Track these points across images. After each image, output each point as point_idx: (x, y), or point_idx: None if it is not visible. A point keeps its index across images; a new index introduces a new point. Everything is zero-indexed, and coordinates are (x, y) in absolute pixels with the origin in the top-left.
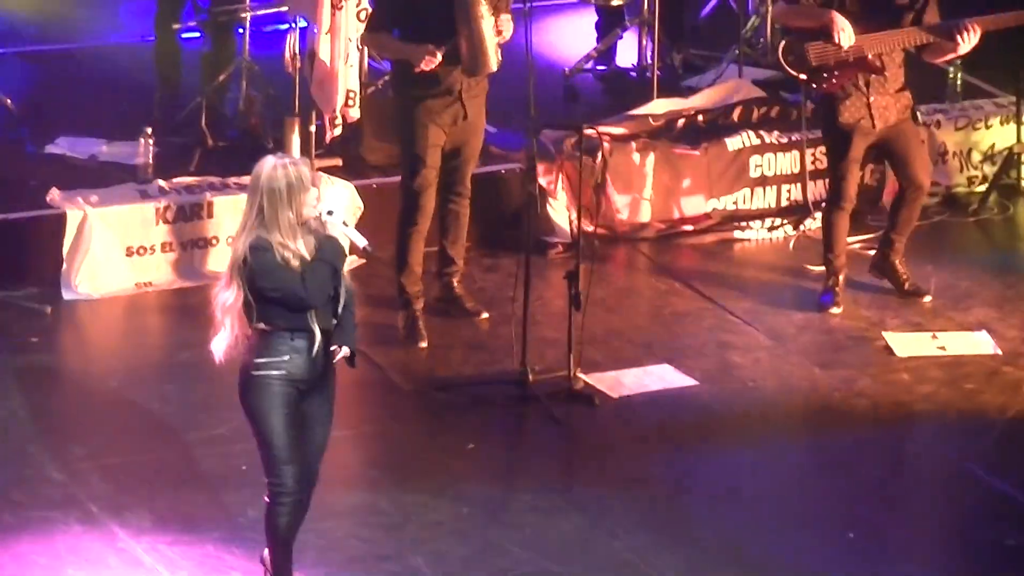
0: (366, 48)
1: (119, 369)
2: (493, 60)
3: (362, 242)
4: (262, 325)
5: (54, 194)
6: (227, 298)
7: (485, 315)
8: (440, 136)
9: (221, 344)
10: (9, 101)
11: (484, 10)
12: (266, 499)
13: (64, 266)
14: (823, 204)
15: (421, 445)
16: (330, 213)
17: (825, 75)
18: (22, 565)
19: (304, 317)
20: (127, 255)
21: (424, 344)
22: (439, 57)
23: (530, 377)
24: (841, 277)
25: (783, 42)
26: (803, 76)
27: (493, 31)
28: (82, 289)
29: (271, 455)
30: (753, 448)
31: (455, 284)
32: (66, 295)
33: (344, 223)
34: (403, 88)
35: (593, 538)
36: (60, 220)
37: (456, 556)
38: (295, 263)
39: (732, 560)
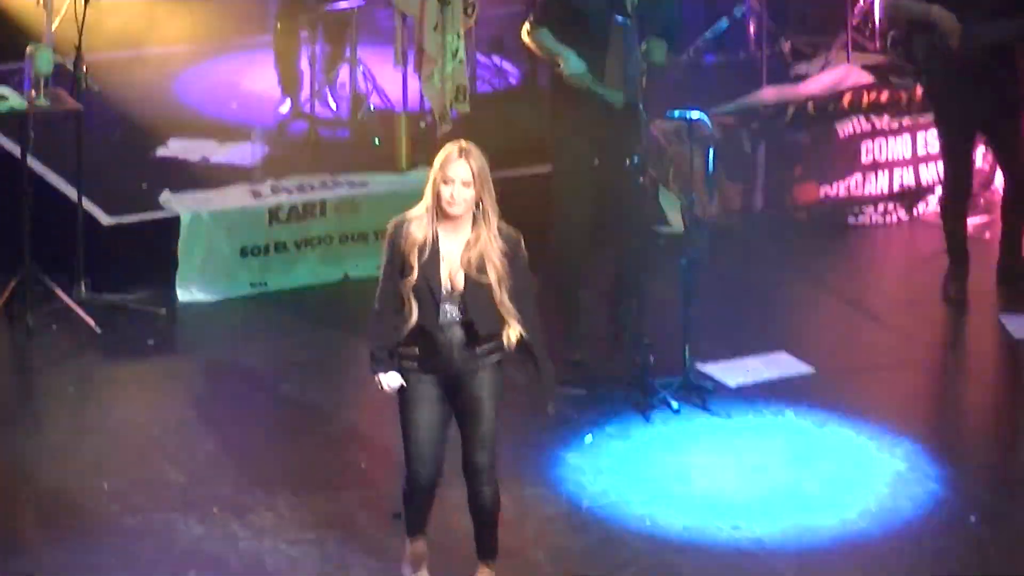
0: (472, 43)
1: (235, 371)
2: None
3: None
4: None
5: (167, 196)
6: None
7: None
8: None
9: None
10: (121, 104)
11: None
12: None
13: (178, 268)
14: (937, 189)
15: (538, 438)
16: None
17: (932, 66)
18: (144, 568)
19: None
20: (241, 256)
21: None
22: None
23: (646, 367)
24: (961, 261)
25: (891, 34)
26: (912, 65)
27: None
28: (196, 291)
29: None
30: (870, 436)
31: None
32: (181, 297)
33: None
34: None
35: (712, 529)
36: (173, 222)
37: (575, 550)
38: None
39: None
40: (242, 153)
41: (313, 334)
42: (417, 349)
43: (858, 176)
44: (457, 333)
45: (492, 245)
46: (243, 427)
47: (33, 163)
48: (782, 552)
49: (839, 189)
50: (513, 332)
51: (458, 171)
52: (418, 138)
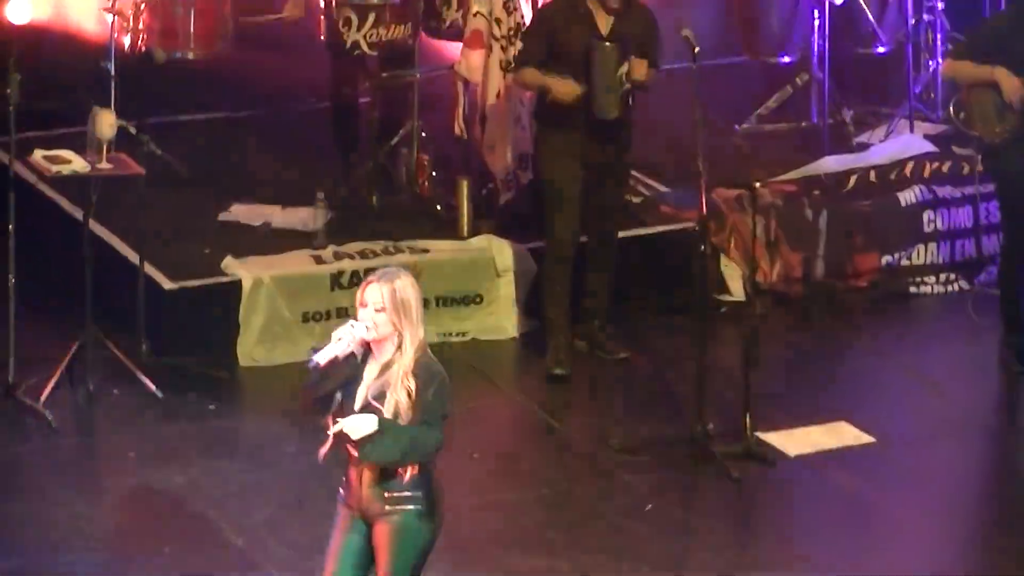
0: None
1: (296, 435)
2: (603, 106)
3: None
4: None
5: (229, 261)
6: None
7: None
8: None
9: None
10: (183, 168)
11: (604, 56)
12: None
13: (240, 333)
14: (998, 259)
15: (598, 506)
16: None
17: (996, 130)
18: None
19: None
20: (303, 321)
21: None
22: (579, 89)
23: (707, 436)
24: (1017, 329)
25: (953, 100)
26: (975, 132)
27: (613, 78)
28: (257, 356)
29: None
30: (934, 508)
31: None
32: (242, 361)
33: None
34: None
35: None
36: (235, 287)
37: None
38: None
39: None
40: (304, 218)
41: None
42: (344, 477)
43: (919, 245)
44: (367, 471)
45: (399, 379)
46: (302, 492)
47: (95, 227)
48: None
49: (900, 258)
50: (412, 468)
51: (371, 295)
52: (480, 204)
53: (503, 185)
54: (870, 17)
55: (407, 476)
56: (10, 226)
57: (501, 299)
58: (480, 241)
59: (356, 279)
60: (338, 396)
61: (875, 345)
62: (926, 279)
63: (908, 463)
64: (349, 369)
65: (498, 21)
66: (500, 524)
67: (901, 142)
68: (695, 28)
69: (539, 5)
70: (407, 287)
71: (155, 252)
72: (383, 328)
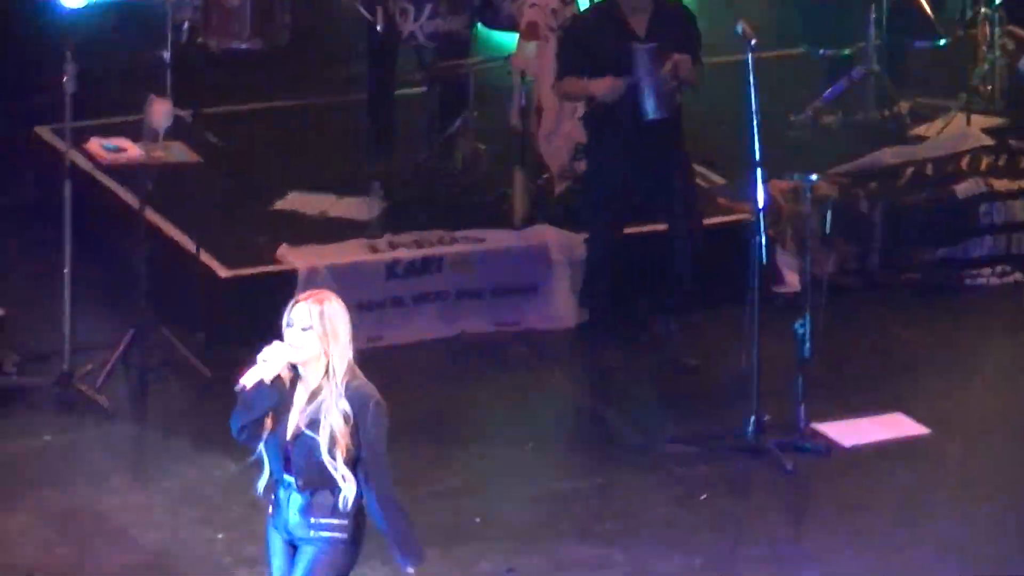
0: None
1: None
2: (651, 108)
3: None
4: None
5: (284, 249)
6: None
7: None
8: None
9: None
10: (239, 156)
11: (645, 58)
12: None
13: None
14: None
15: (651, 497)
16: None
17: None
18: None
19: None
20: (357, 310)
21: None
22: (620, 81)
23: (761, 427)
24: None
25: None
26: None
27: (658, 79)
28: None
29: None
30: (989, 501)
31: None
32: None
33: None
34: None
35: None
36: (291, 276)
37: None
38: None
39: None
40: (360, 207)
41: (427, 389)
42: (273, 497)
43: (975, 238)
44: (295, 494)
45: (332, 403)
46: None
47: (151, 215)
48: None
49: (956, 250)
50: (348, 495)
51: (298, 315)
52: (536, 195)
53: (559, 175)
54: (927, 9)
55: (340, 503)
56: (66, 214)
57: (556, 289)
58: (535, 231)
59: (412, 269)
60: (267, 423)
61: (930, 337)
62: (982, 271)
63: (963, 455)
64: (277, 394)
65: (554, 12)
66: (554, 514)
67: (957, 135)
68: (752, 19)
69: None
70: (336, 309)
71: (211, 240)
72: (309, 349)
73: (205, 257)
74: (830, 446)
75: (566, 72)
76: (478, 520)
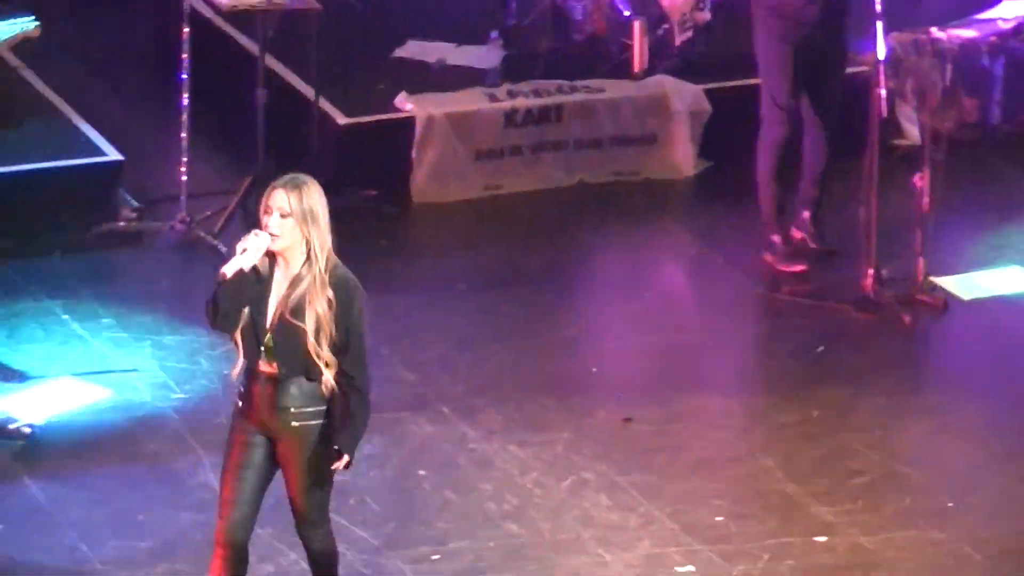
0: None
1: (467, 272)
2: None
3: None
4: None
5: (403, 98)
6: None
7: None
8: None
9: None
10: (359, 5)
11: None
12: None
13: (413, 169)
14: None
15: (769, 346)
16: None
17: None
18: (376, 462)
19: None
20: (476, 158)
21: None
22: None
23: (880, 280)
24: None
25: None
26: None
27: None
28: (430, 192)
29: None
30: None
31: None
32: (415, 198)
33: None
34: None
35: (942, 442)
36: (409, 124)
37: (806, 458)
38: None
39: None
40: (480, 56)
41: (546, 238)
42: (243, 389)
43: None
44: (270, 386)
45: (316, 289)
46: (474, 328)
47: (270, 61)
48: None
49: None
50: (328, 379)
51: (277, 200)
52: (654, 45)
53: (679, 26)
54: None
55: (321, 389)
56: (184, 60)
57: (676, 139)
58: (655, 81)
59: (530, 118)
60: (245, 312)
61: None
62: None
63: None
64: (256, 283)
65: None
66: (670, 364)
67: None
68: None
69: None
70: (314, 193)
71: (330, 87)
72: (290, 235)
73: (324, 104)
74: (949, 300)
75: None
76: (595, 370)
